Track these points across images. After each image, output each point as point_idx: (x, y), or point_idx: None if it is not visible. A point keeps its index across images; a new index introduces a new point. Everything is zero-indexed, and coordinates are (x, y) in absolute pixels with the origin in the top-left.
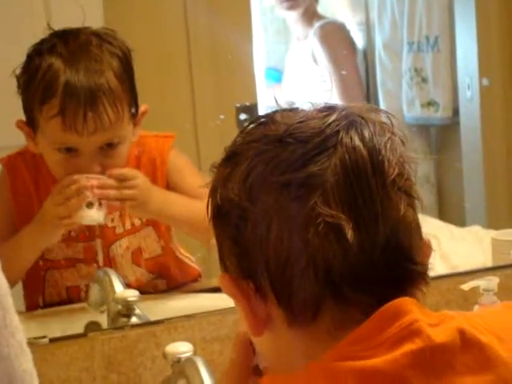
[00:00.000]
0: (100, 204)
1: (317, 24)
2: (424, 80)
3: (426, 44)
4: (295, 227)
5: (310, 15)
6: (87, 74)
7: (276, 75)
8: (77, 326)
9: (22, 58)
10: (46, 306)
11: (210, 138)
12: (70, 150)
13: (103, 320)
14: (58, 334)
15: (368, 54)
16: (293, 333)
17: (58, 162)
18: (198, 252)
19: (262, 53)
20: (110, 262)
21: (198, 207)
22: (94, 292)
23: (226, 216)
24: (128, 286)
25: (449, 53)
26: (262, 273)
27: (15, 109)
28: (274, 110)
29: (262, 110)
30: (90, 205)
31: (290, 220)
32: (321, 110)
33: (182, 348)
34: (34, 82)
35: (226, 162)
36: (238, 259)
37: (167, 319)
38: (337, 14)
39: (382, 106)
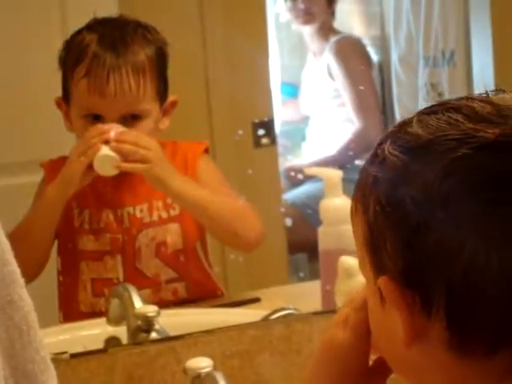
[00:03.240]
0: None
1: (333, 39)
2: (440, 95)
3: (442, 59)
4: (498, 255)
5: (326, 30)
6: (117, 44)
7: (291, 90)
8: (96, 341)
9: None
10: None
11: (227, 153)
12: (96, 118)
13: (123, 335)
14: (77, 349)
15: (384, 68)
16: (451, 358)
17: (85, 132)
18: (215, 266)
19: (277, 68)
20: (135, 253)
21: (223, 201)
22: (114, 307)
23: (402, 214)
24: (147, 282)
25: (465, 67)
26: (439, 290)
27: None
28: (465, 96)
29: (278, 126)
30: (107, 143)
31: (492, 245)
32: None
33: (201, 363)
34: (70, 52)
35: (408, 151)
36: (407, 265)
37: (187, 334)
38: (352, 28)
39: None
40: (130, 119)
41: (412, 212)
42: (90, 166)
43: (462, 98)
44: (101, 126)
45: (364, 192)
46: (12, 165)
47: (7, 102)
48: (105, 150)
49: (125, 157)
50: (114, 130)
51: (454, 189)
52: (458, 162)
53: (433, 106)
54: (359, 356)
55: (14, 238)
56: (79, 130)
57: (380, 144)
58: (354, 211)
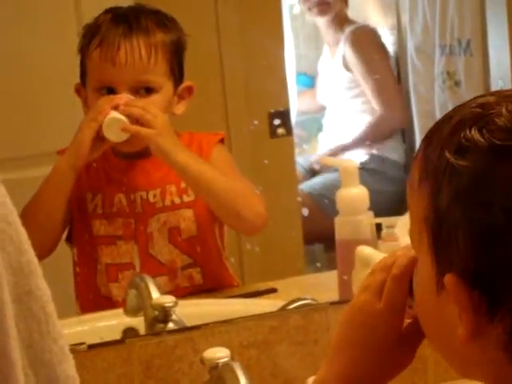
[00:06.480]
0: None
1: (348, 29)
2: (457, 83)
3: (458, 47)
4: None
5: (341, 20)
6: (130, 20)
7: (307, 81)
8: (114, 332)
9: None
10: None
11: (243, 144)
12: (109, 92)
13: (140, 326)
14: (95, 340)
15: (400, 58)
16: (504, 359)
17: None
18: (231, 257)
19: (292, 58)
20: (147, 239)
21: (228, 181)
22: (131, 297)
23: (485, 218)
24: (162, 269)
25: (481, 56)
26: (510, 298)
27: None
28: None
29: (294, 116)
30: (116, 108)
31: None
32: None
33: (219, 353)
34: (86, 33)
35: (497, 148)
36: (480, 268)
37: (204, 324)
38: (368, 18)
39: (415, 109)
40: (142, 92)
41: (497, 218)
42: (101, 138)
43: None
44: (112, 96)
45: (436, 173)
46: (27, 158)
47: (23, 96)
48: (113, 114)
49: (132, 121)
50: (124, 98)
51: None
52: None
53: None
54: (391, 326)
55: (26, 211)
56: (92, 105)
57: (460, 124)
58: (416, 183)
